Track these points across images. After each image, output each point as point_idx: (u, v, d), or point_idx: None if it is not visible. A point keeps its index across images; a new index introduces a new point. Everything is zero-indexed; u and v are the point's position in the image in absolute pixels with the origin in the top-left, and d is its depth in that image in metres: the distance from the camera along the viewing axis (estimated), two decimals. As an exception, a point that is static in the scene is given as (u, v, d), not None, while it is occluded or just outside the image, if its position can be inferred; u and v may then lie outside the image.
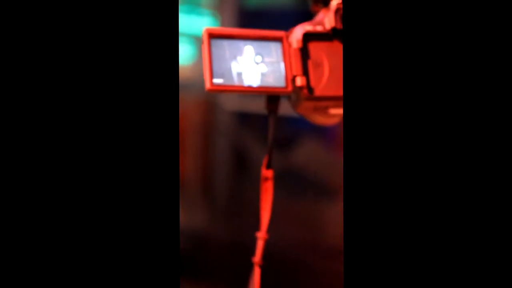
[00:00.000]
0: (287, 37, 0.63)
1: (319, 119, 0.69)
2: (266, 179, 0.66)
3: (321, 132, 2.23)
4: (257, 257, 0.66)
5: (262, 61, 0.61)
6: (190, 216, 2.87)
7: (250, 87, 0.60)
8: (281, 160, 2.38)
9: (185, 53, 2.61)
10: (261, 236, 0.66)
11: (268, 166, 0.66)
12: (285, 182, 2.22)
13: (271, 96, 0.63)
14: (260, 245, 0.66)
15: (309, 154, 2.34)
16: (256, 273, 0.66)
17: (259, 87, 0.61)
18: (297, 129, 2.27)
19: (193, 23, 2.73)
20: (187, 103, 2.45)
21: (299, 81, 0.61)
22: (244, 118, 2.53)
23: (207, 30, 0.60)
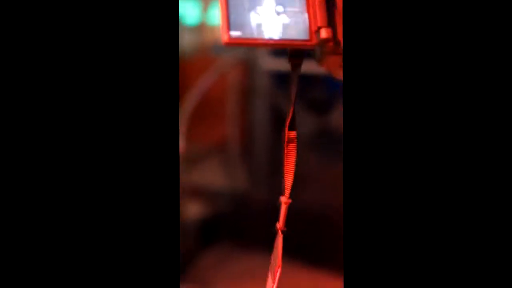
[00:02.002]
0: None
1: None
2: (289, 140, 0.62)
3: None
4: (280, 223, 0.62)
5: (284, 11, 0.56)
6: (231, 178, 2.87)
7: (270, 39, 0.55)
8: (316, 122, 2.33)
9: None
10: (284, 200, 0.62)
11: (291, 127, 0.61)
12: (319, 145, 2.18)
13: (294, 50, 0.59)
14: (283, 210, 0.62)
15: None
16: (279, 239, 0.62)
17: (280, 40, 0.56)
18: (335, 90, 2.20)
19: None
20: (223, 64, 2.41)
21: (324, 33, 0.56)
22: (283, 78, 2.47)
23: None
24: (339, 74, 0.64)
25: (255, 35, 0.55)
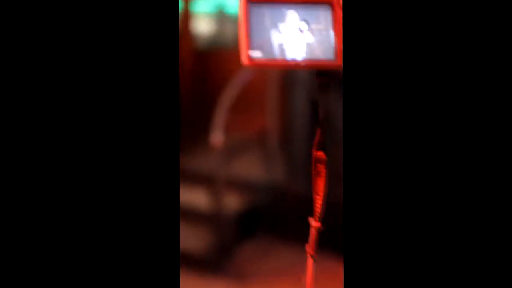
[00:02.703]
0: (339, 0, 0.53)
1: None
2: (318, 161, 0.58)
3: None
4: (311, 248, 0.59)
5: (308, 29, 0.52)
6: (269, 171, 2.84)
7: (293, 61, 0.52)
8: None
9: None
10: (315, 224, 0.58)
11: (320, 147, 0.58)
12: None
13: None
14: (313, 235, 0.59)
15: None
16: (309, 264, 0.59)
17: (304, 61, 0.52)
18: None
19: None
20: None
21: None
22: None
23: None
24: None
25: (277, 55, 0.51)
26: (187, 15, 3.21)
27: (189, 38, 3.19)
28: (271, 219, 2.68)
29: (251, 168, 2.95)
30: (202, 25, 3.36)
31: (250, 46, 0.50)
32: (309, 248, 0.59)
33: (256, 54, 0.51)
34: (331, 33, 0.52)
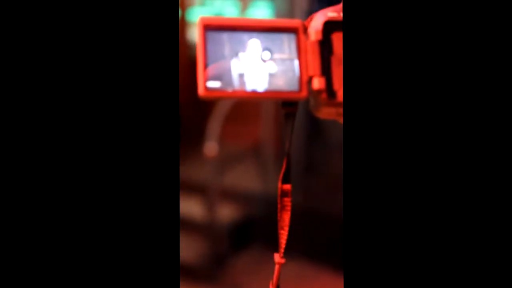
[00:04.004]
0: (305, 27, 0.50)
1: None
2: (284, 194, 0.55)
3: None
4: (274, 284, 0.56)
5: (271, 58, 0.49)
6: (264, 182, 2.81)
7: (254, 92, 0.48)
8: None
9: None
10: (278, 260, 0.56)
11: (285, 180, 0.55)
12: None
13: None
14: (277, 271, 0.56)
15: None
16: None
17: (266, 92, 0.49)
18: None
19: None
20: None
21: (317, 83, 0.48)
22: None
23: (202, 20, 0.48)
24: (341, 120, 0.57)
25: (236, 86, 0.48)
26: (184, 24, 3.19)
27: (185, 46, 3.18)
28: (266, 229, 2.65)
29: (246, 178, 2.92)
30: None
31: (207, 76, 0.47)
32: (273, 286, 0.56)
33: (214, 84, 0.47)
34: (296, 62, 0.49)
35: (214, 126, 2.48)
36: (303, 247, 2.23)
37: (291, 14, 2.69)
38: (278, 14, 2.79)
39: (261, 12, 3.12)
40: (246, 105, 2.78)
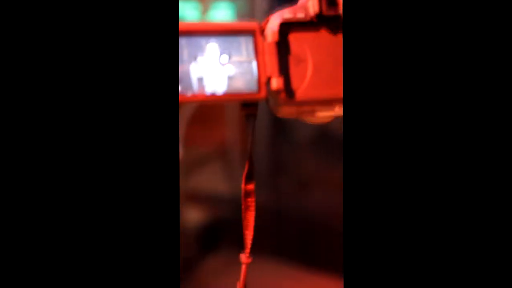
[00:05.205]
0: (262, 28, 0.51)
1: (310, 120, 0.58)
2: (247, 194, 0.56)
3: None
4: (241, 285, 0.57)
5: (229, 61, 0.50)
6: (231, 184, 2.81)
7: (213, 95, 0.49)
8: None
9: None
10: (244, 260, 0.57)
11: (248, 180, 0.56)
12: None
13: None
14: (243, 271, 0.57)
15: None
16: None
17: (225, 95, 0.50)
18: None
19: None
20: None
21: (275, 83, 0.50)
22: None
23: None
24: (301, 119, 0.58)
25: (196, 90, 0.49)
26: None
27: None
28: (234, 232, 2.65)
29: (212, 181, 2.92)
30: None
31: None
32: (239, 286, 0.57)
33: None
34: (254, 63, 0.50)
35: (179, 130, 2.47)
36: (272, 246, 2.25)
37: (252, 15, 2.71)
38: (239, 15, 2.81)
39: (222, 14, 3.12)
40: (210, 109, 2.78)
